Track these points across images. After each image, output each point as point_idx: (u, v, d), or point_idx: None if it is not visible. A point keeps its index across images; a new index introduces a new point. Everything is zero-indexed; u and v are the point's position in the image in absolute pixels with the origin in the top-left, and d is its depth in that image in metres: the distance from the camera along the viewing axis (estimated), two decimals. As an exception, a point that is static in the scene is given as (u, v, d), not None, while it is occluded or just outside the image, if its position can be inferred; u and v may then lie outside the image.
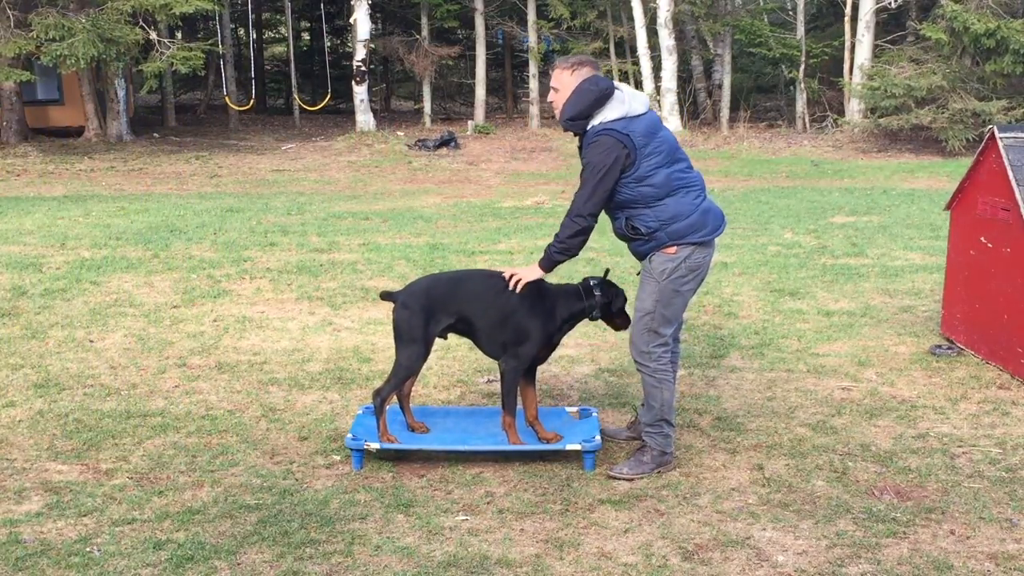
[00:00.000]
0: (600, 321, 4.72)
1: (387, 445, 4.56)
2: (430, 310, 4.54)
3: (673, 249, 4.36)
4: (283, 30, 32.94)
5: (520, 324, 4.51)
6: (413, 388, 4.95)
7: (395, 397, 4.76)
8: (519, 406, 4.66)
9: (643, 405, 4.79)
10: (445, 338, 4.76)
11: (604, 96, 4.28)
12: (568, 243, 4.34)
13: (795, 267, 8.91)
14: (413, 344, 4.55)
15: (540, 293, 4.56)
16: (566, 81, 4.36)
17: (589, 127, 4.31)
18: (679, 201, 4.34)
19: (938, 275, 7.89)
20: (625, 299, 4.71)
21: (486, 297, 4.58)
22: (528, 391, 4.65)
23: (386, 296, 4.74)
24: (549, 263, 4.41)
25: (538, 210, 13.22)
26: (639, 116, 4.30)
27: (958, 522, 4.00)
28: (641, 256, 4.50)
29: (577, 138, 4.48)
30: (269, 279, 8.57)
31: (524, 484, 4.39)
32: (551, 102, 4.48)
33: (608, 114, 4.27)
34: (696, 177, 4.45)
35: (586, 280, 4.68)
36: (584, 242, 4.39)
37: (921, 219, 11.66)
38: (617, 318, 4.72)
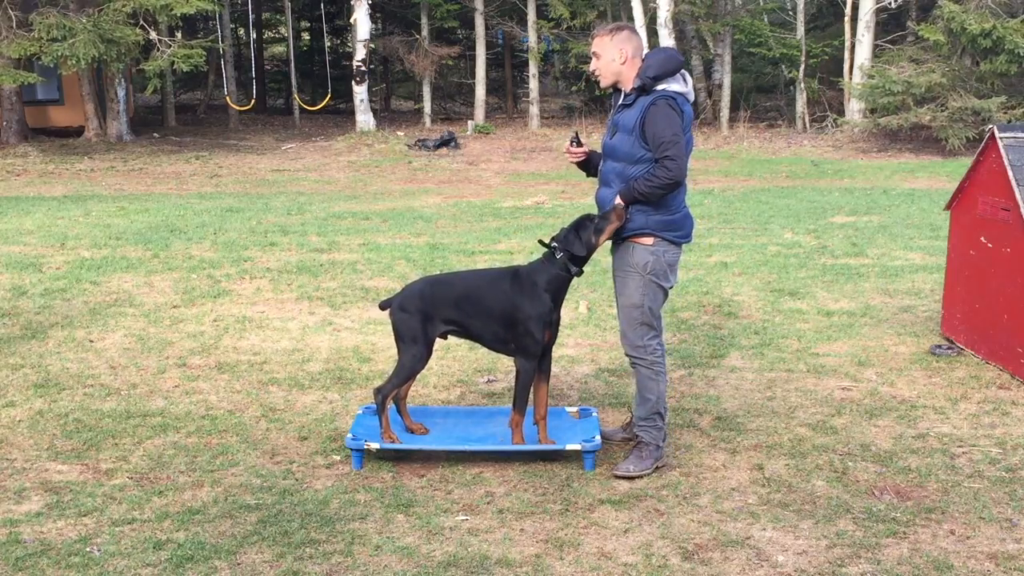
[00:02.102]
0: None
1: (388, 444, 4.56)
2: (426, 313, 4.57)
3: (650, 240, 4.43)
4: (283, 30, 32.92)
5: (514, 318, 4.51)
6: (413, 389, 4.95)
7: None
8: (529, 404, 4.66)
9: (639, 405, 4.80)
10: (445, 338, 4.77)
11: (679, 67, 4.44)
12: (658, 192, 4.33)
13: (795, 267, 8.91)
14: (415, 345, 4.57)
15: (519, 281, 4.56)
16: (607, 46, 4.46)
17: (654, 89, 4.39)
18: (674, 197, 4.44)
19: (938, 275, 7.89)
20: (585, 225, 4.52)
21: (474, 298, 4.60)
22: (541, 388, 4.65)
23: (384, 305, 4.77)
24: (630, 196, 4.39)
25: (538, 210, 13.21)
26: (690, 102, 4.47)
27: (958, 522, 4.00)
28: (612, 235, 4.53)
29: (624, 96, 4.50)
30: (269, 279, 8.57)
31: (524, 484, 4.39)
32: (593, 70, 4.56)
33: (674, 86, 4.40)
34: (686, 184, 4.56)
35: (549, 247, 4.60)
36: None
37: (921, 219, 11.66)
38: (600, 237, 4.50)
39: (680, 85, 4.42)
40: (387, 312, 4.74)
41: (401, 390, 4.75)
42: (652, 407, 4.55)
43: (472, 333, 4.68)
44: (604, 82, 4.55)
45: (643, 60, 4.46)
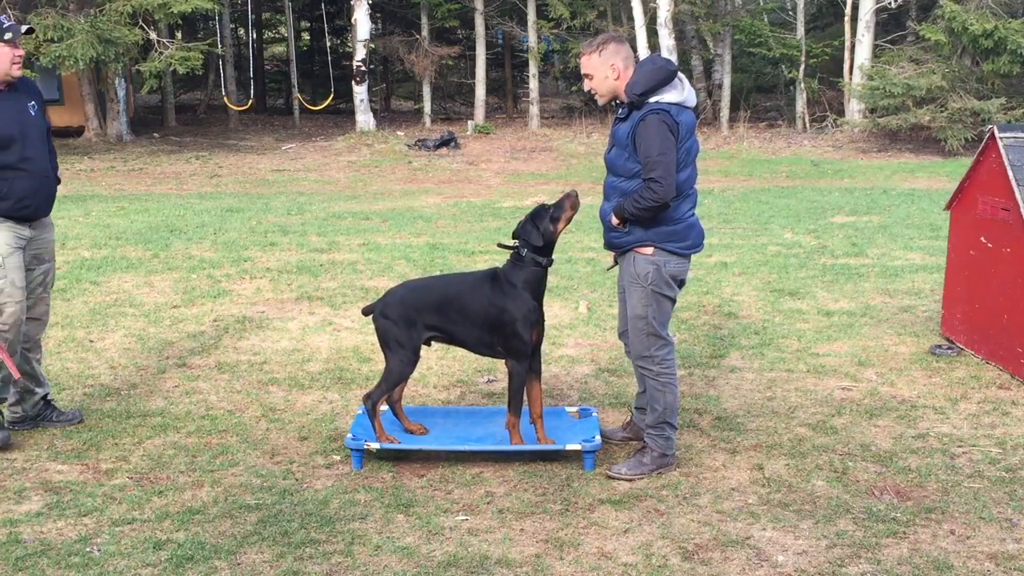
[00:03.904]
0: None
1: (387, 445, 4.56)
2: (408, 319, 4.55)
3: (650, 250, 4.37)
4: (283, 30, 32.94)
5: (500, 321, 4.50)
6: (413, 389, 4.94)
7: (385, 403, 4.76)
8: (524, 404, 4.65)
9: (638, 408, 4.79)
10: (429, 345, 4.75)
11: (671, 76, 4.31)
12: (646, 214, 4.26)
13: (795, 267, 8.91)
14: (401, 350, 4.56)
15: (499, 283, 4.54)
16: (595, 63, 4.37)
17: (646, 102, 4.29)
18: (676, 207, 4.35)
19: (938, 275, 7.89)
20: (541, 215, 4.51)
21: (456, 303, 4.57)
22: (534, 388, 4.63)
23: (366, 311, 4.76)
24: (621, 216, 4.35)
25: (538, 210, 13.21)
26: (688, 109, 4.35)
27: (958, 522, 4.00)
28: (614, 247, 4.51)
29: (619, 109, 4.46)
30: (269, 279, 8.57)
31: (524, 484, 4.39)
32: (589, 89, 4.48)
33: (667, 96, 4.29)
34: (695, 191, 4.49)
35: (511, 247, 4.60)
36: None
37: (921, 219, 11.66)
38: (557, 225, 4.49)
39: (675, 94, 4.30)
40: (370, 318, 4.73)
41: (393, 393, 4.74)
42: (660, 417, 4.51)
43: (455, 338, 4.65)
44: (602, 100, 4.47)
45: (633, 72, 4.34)
